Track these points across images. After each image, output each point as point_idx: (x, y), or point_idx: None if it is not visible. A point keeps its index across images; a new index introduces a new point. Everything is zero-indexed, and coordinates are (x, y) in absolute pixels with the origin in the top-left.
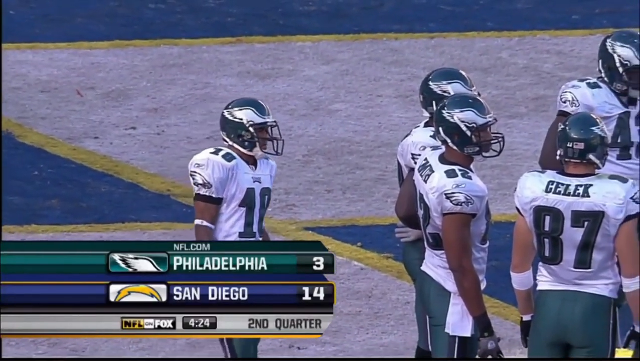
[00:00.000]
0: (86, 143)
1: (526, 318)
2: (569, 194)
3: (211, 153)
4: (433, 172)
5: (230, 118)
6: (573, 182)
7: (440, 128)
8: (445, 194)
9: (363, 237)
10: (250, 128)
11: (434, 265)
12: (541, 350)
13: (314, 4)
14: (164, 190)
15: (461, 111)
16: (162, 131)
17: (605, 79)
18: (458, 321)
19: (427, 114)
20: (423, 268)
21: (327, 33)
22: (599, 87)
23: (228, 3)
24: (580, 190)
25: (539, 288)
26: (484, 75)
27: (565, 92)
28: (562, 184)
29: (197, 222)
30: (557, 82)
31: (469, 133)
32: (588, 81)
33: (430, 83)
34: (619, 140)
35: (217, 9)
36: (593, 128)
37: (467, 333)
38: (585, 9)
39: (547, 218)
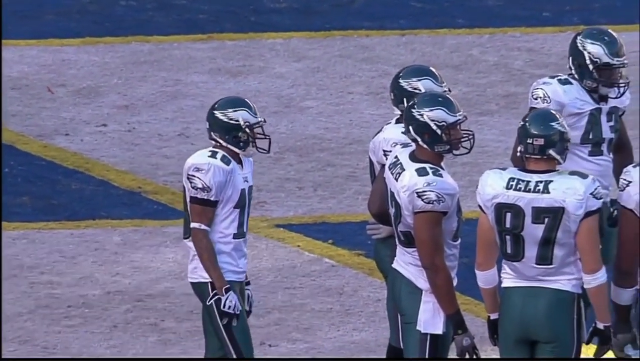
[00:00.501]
0: (57, 140)
1: (493, 316)
2: (529, 190)
3: (209, 157)
4: (404, 170)
5: (226, 120)
6: (533, 178)
7: (410, 127)
8: (417, 193)
9: (334, 234)
10: (247, 129)
11: (406, 263)
12: (509, 347)
13: (284, 1)
14: (134, 187)
15: (431, 110)
16: (133, 128)
17: (576, 75)
18: (430, 319)
19: (398, 112)
20: (394, 265)
21: (298, 30)
22: (570, 83)
23: (199, 0)
24: (541, 186)
25: (503, 285)
26: (454, 73)
27: (537, 88)
28: (523, 181)
29: (195, 225)
30: (527, 79)
31: (439, 132)
32: (559, 78)
33: (400, 80)
34: (590, 137)
35: (188, 5)
36: (553, 124)
37: (439, 330)
38: (555, 6)
39: (508, 215)
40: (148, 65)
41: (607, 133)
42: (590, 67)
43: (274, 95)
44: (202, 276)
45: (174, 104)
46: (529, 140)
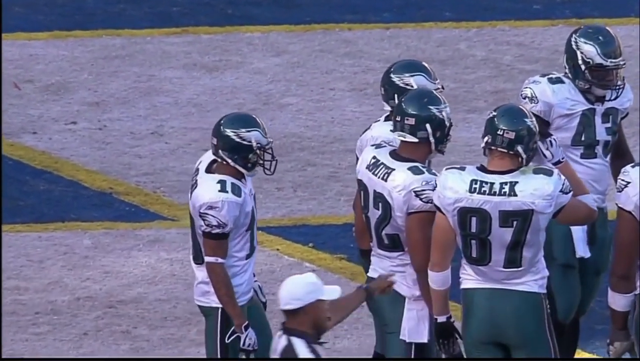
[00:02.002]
0: (24, 138)
1: (441, 319)
2: (494, 194)
3: (220, 191)
4: (392, 169)
5: (238, 140)
6: (497, 179)
7: (428, 125)
8: (415, 192)
9: (315, 237)
10: (258, 151)
11: (386, 270)
12: (476, 349)
13: None
14: (106, 188)
15: (446, 106)
16: (104, 126)
17: (569, 75)
18: (414, 327)
19: (388, 108)
20: (371, 274)
21: (277, 23)
22: (562, 82)
23: None
24: (506, 188)
25: (463, 286)
26: (441, 68)
27: (526, 87)
28: (486, 183)
29: (211, 259)
30: (517, 75)
31: (448, 129)
32: (550, 76)
33: (392, 75)
34: (582, 138)
35: None
36: (525, 120)
37: (424, 339)
38: None
39: (474, 219)
40: (120, 60)
41: (601, 135)
42: (583, 67)
43: (252, 92)
44: (215, 301)
45: (147, 101)
46: (499, 132)
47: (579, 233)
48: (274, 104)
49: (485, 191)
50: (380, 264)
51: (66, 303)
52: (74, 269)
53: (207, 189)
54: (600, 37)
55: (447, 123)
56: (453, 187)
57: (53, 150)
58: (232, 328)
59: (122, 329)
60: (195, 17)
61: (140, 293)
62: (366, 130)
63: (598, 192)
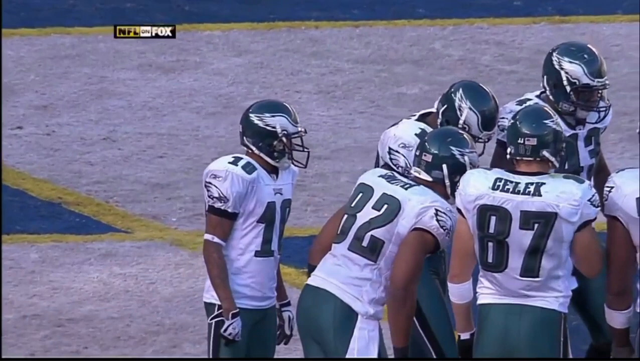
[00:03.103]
0: None
1: (464, 336)
2: (518, 192)
3: (230, 163)
4: (415, 184)
5: (262, 125)
6: (523, 179)
7: (444, 166)
8: (437, 210)
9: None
10: (284, 139)
11: (343, 282)
12: None
13: None
14: (54, 197)
15: (471, 151)
16: (52, 131)
17: (550, 97)
18: (363, 348)
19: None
20: (316, 283)
21: (238, 21)
22: None
23: None
24: (531, 188)
25: (480, 301)
26: (415, 69)
27: (502, 117)
28: (511, 182)
29: (208, 237)
30: (496, 76)
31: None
32: (526, 104)
33: (454, 95)
34: (566, 167)
35: None
36: (547, 122)
37: None
38: None
39: (493, 218)
40: (69, 61)
41: (585, 160)
42: (568, 88)
43: (212, 94)
44: (214, 296)
45: (98, 104)
46: (520, 140)
47: None
48: (236, 107)
49: (509, 189)
50: (338, 276)
51: (12, 322)
52: (20, 285)
53: (219, 159)
54: (586, 56)
55: (469, 169)
56: (475, 184)
57: None
58: (219, 311)
59: (71, 349)
60: (150, 14)
61: (91, 310)
62: (393, 124)
63: None
